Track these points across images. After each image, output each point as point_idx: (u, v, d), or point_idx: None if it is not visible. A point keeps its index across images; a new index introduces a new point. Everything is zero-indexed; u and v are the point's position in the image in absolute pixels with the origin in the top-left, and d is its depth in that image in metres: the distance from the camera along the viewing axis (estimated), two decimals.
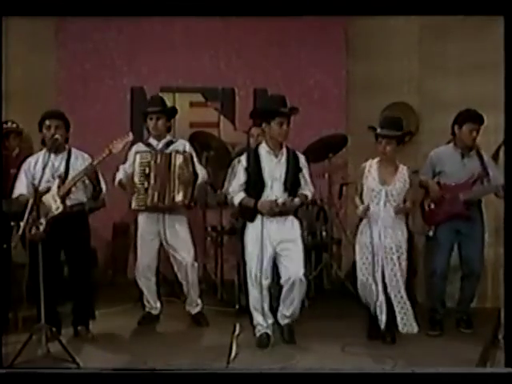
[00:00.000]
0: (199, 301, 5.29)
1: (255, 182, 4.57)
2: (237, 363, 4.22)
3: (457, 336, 4.89)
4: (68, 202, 4.61)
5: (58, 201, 4.54)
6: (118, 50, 6.89)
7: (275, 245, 4.56)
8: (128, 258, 6.49)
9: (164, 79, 6.84)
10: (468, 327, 5.01)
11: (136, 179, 5.05)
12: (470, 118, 4.85)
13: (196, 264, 5.24)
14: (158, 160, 5.04)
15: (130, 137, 4.69)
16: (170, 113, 5.32)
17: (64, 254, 4.83)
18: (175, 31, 6.80)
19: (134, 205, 5.06)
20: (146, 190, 5.01)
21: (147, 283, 5.22)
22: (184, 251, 5.14)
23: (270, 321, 4.65)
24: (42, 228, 4.38)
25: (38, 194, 4.33)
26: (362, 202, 4.70)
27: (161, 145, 5.15)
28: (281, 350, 4.58)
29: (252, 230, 4.57)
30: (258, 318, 4.62)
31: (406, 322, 4.64)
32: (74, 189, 4.63)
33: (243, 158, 4.64)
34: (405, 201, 4.68)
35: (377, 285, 4.64)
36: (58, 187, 4.57)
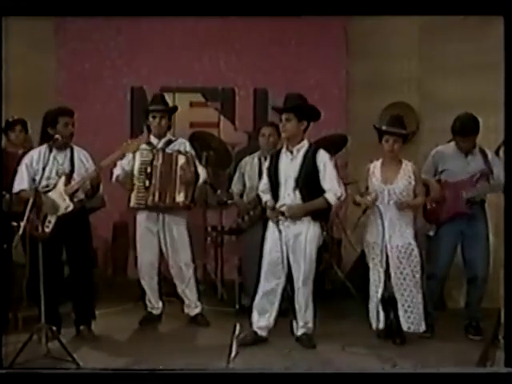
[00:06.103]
0: (198, 303, 5.28)
1: (273, 182, 4.69)
2: (237, 363, 4.22)
3: (459, 337, 4.85)
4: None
5: (67, 199, 4.52)
6: (117, 50, 6.89)
7: (289, 245, 4.60)
8: (128, 258, 6.49)
9: (164, 79, 6.82)
10: (477, 334, 4.81)
11: (136, 177, 5.03)
12: (459, 131, 4.78)
13: (192, 264, 5.24)
14: (160, 159, 5.04)
15: (145, 137, 4.68)
16: (172, 111, 5.35)
17: (65, 252, 4.77)
18: (175, 31, 6.79)
19: (133, 203, 5.05)
20: (146, 188, 5.00)
21: (150, 282, 5.22)
22: (180, 250, 5.13)
23: (271, 319, 4.65)
24: (50, 227, 4.38)
25: (39, 192, 4.32)
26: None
27: (161, 143, 5.15)
28: (281, 350, 4.58)
29: (271, 229, 4.66)
30: (255, 316, 4.66)
31: (414, 321, 4.61)
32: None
33: (267, 160, 4.83)
34: (415, 195, 4.66)
35: (380, 283, 4.65)
36: (65, 185, 4.56)
